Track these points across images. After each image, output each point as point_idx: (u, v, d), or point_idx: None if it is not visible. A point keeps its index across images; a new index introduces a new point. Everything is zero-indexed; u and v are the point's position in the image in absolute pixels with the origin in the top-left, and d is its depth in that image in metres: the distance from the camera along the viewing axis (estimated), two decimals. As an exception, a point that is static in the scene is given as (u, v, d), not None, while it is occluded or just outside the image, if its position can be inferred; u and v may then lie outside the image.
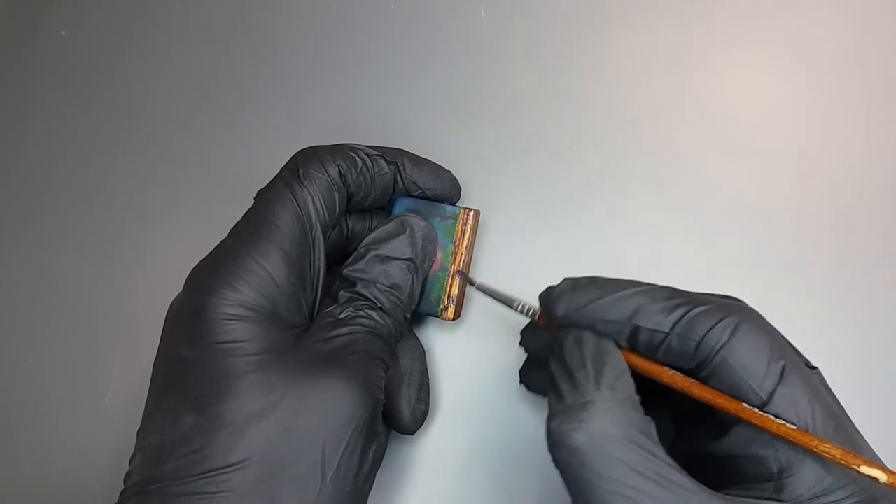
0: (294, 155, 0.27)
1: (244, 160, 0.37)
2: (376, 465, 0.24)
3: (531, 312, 0.25)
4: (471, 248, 0.30)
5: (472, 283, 0.28)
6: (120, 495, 0.23)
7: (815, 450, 0.19)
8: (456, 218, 0.30)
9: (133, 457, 0.23)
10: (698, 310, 0.21)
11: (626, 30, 0.34)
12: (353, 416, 0.23)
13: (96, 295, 0.37)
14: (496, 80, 0.35)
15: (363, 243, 0.27)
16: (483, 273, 0.32)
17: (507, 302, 0.26)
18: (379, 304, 0.26)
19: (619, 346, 0.22)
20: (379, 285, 0.26)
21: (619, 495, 0.19)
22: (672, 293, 0.22)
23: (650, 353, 0.22)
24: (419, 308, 0.30)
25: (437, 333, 0.33)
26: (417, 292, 0.28)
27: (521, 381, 0.29)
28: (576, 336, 0.23)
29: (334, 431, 0.22)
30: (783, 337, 0.21)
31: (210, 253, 0.25)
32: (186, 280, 0.25)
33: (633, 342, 0.22)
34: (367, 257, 0.27)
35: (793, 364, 0.20)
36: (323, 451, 0.22)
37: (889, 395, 0.29)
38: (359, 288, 0.26)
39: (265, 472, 0.21)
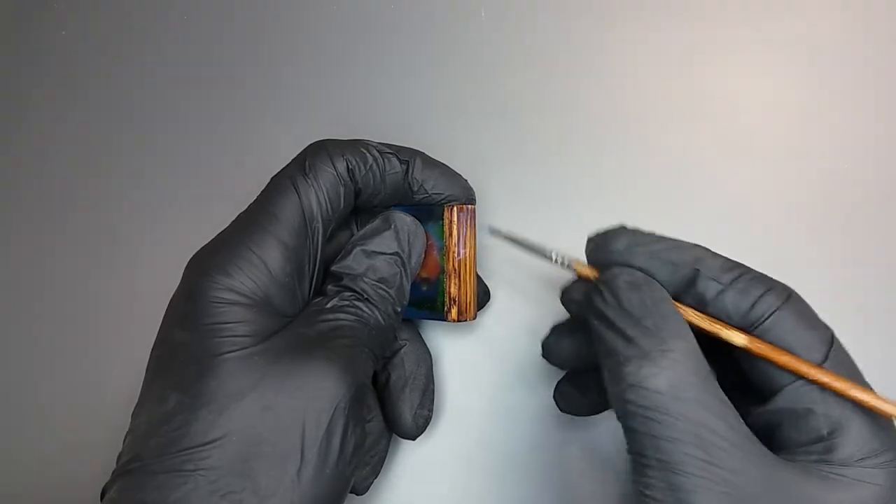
0: (305, 147, 0.27)
1: (244, 160, 0.37)
2: (360, 449, 0.24)
3: (566, 263, 0.25)
4: (465, 243, 0.29)
5: (499, 233, 0.27)
6: (111, 476, 0.23)
7: (876, 407, 0.20)
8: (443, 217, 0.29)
9: (124, 438, 0.24)
10: (754, 274, 0.22)
11: (627, 30, 0.34)
12: (334, 397, 0.23)
13: (95, 294, 0.37)
14: (496, 80, 0.35)
15: (350, 241, 0.27)
16: (483, 272, 0.32)
17: (539, 252, 0.26)
18: (366, 296, 0.26)
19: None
20: (366, 279, 0.26)
21: (693, 436, 0.19)
22: (727, 259, 0.23)
23: (699, 307, 0.23)
24: (430, 316, 0.29)
25: (446, 339, 0.33)
26: (407, 287, 0.28)
27: (543, 354, 0.28)
28: (629, 280, 0.23)
29: (315, 412, 0.22)
30: None
31: (211, 240, 0.26)
32: (186, 265, 0.25)
33: (684, 292, 0.23)
34: (354, 253, 0.27)
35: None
36: (303, 431, 0.22)
37: (889, 395, 0.29)
38: (345, 281, 0.26)
39: (243, 450, 0.22)
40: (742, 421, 0.20)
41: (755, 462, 0.20)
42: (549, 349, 0.28)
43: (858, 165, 0.32)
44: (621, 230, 0.24)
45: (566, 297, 0.27)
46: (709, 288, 0.22)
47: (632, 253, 0.23)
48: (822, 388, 0.21)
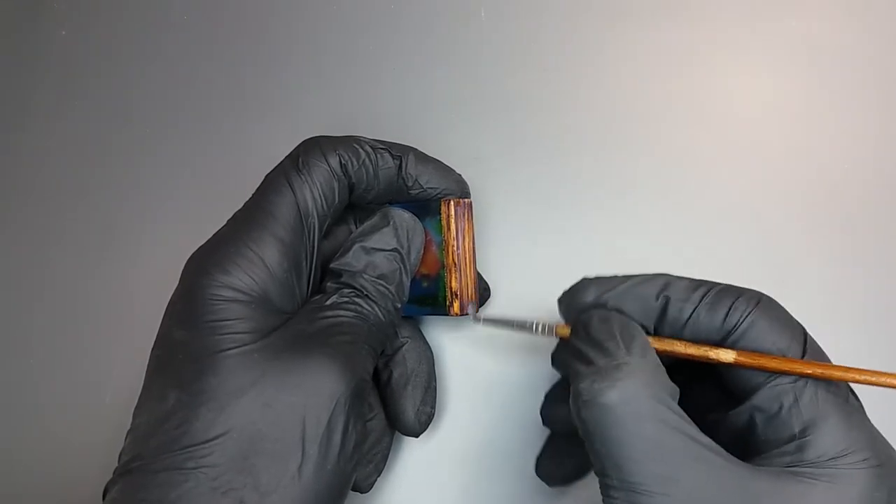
0: (298, 144, 0.27)
1: (243, 160, 0.37)
2: (361, 445, 0.24)
3: (547, 330, 0.25)
4: (463, 236, 0.29)
5: (478, 321, 0.28)
6: (112, 475, 0.23)
7: (871, 381, 0.21)
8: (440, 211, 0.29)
9: (125, 438, 0.24)
10: (721, 286, 0.23)
11: (628, 30, 0.34)
12: (333, 393, 0.23)
13: (95, 294, 0.37)
14: (496, 80, 0.35)
15: (349, 238, 0.27)
16: (484, 273, 0.32)
17: (520, 326, 0.26)
18: (365, 293, 0.26)
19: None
20: (366, 276, 0.26)
21: (651, 453, 0.19)
22: (692, 279, 0.24)
23: (675, 332, 0.23)
24: (432, 312, 0.29)
25: (448, 337, 0.33)
26: (407, 283, 0.28)
27: (543, 422, 0.28)
28: (601, 315, 0.23)
29: (315, 408, 0.22)
30: None
31: (208, 239, 0.26)
32: (184, 265, 0.25)
33: (659, 323, 0.23)
34: (353, 249, 0.27)
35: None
36: (303, 427, 0.22)
37: (890, 395, 0.29)
38: (345, 278, 0.26)
39: (244, 447, 0.22)
40: (702, 433, 0.20)
41: (721, 473, 0.20)
42: (547, 417, 0.28)
43: (858, 165, 0.32)
44: (585, 283, 0.25)
45: (555, 360, 0.27)
46: (682, 311, 0.23)
47: (602, 300, 0.24)
48: (795, 386, 0.21)
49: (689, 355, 0.23)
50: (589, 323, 0.23)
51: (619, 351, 0.21)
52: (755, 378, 0.22)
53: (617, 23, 0.35)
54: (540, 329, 0.26)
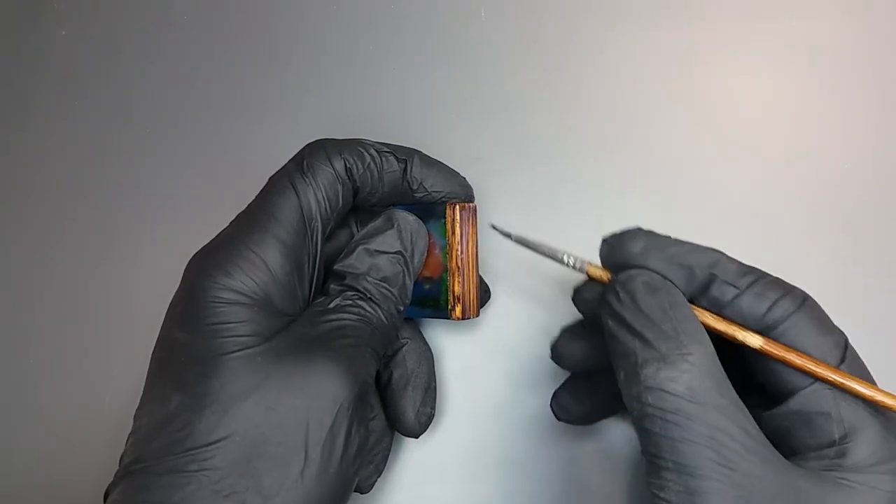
0: (303, 147, 0.27)
1: (243, 160, 0.37)
2: (363, 449, 0.24)
3: (579, 264, 0.25)
4: (468, 241, 0.29)
5: (508, 236, 0.27)
6: (113, 478, 0.23)
7: (888, 404, 0.20)
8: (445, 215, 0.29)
9: (126, 440, 0.24)
10: (770, 278, 0.23)
11: (627, 30, 0.34)
12: (337, 397, 0.23)
13: (95, 294, 0.37)
14: (496, 80, 0.35)
15: (353, 240, 0.27)
16: (484, 272, 0.32)
17: (551, 254, 0.26)
18: (369, 295, 0.26)
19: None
20: (369, 278, 0.26)
21: (712, 439, 0.19)
22: (742, 263, 0.23)
23: (715, 310, 0.23)
24: (433, 315, 0.29)
25: (447, 337, 0.33)
26: (410, 286, 0.28)
27: (552, 356, 0.28)
28: (648, 282, 0.23)
29: (318, 412, 0.22)
30: None
31: (210, 241, 0.26)
32: (185, 266, 0.25)
33: (699, 297, 0.23)
34: (357, 252, 0.27)
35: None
36: (306, 431, 0.22)
37: (889, 395, 0.29)
38: (348, 280, 0.26)
39: (247, 450, 0.22)
40: (757, 426, 0.20)
41: (769, 467, 0.20)
42: (559, 351, 0.28)
43: (858, 165, 0.32)
44: (637, 232, 0.24)
45: (578, 297, 0.26)
46: (725, 292, 0.22)
47: (648, 256, 0.23)
48: (836, 392, 0.21)
49: (716, 329, 0.22)
50: (635, 288, 0.23)
51: (680, 337, 0.21)
52: (793, 380, 0.22)
53: (617, 23, 0.35)
54: (571, 262, 0.25)
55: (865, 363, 0.22)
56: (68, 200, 0.39)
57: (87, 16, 0.41)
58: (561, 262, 0.25)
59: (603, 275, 0.25)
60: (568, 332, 0.28)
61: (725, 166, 0.32)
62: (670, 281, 0.23)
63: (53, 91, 0.40)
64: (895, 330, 0.30)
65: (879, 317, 0.30)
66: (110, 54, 0.40)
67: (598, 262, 0.25)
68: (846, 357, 0.21)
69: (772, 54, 0.33)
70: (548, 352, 0.28)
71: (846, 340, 0.22)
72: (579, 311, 0.27)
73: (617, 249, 0.24)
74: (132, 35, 0.40)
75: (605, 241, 0.25)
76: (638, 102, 0.34)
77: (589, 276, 0.25)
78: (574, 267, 0.25)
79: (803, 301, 0.22)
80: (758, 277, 0.22)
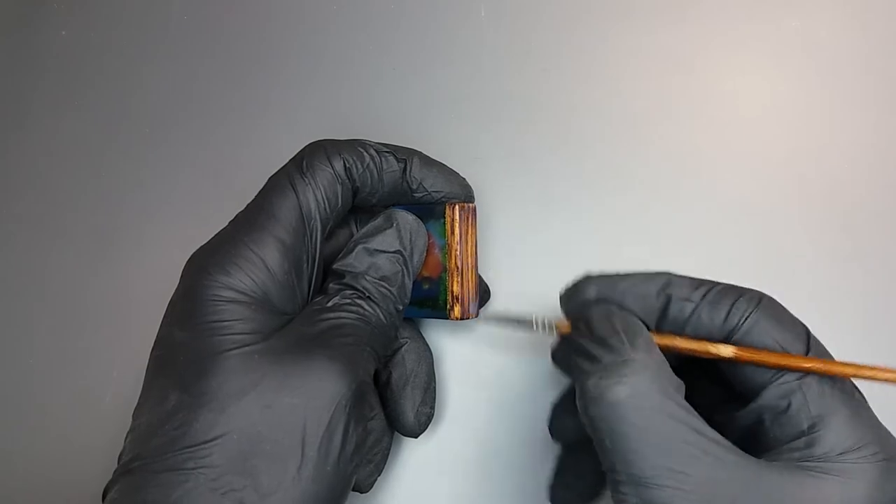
0: (303, 147, 0.27)
1: (243, 160, 0.37)
2: (361, 447, 0.24)
3: (548, 326, 0.26)
4: (467, 241, 0.29)
5: (477, 319, 0.28)
6: (112, 476, 0.23)
7: (870, 376, 0.21)
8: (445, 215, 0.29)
9: (125, 438, 0.24)
10: (722, 286, 0.23)
11: (627, 29, 0.34)
12: (335, 395, 0.23)
13: (95, 294, 0.37)
14: (496, 80, 0.35)
15: (352, 239, 0.27)
16: (483, 272, 0.32)
17: (520, 324, 0.26)
18: (368, 294, 0.26)
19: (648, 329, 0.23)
20: (368, 277, 0.26)
21: (659, 447, 0.19)
22: (693, 278, 0.24)
23: (676, 331, 0.23)
24: (432, 315, 0.29)
25: (447, 337, 0.33)
26: (409, 285, 0.28)
27: (552, 437, 0.28)
28: (603, 310, 0.23)
29: (316, 410, 0.22)
30: None
31: (209, 240, 0.26)
32: (184, 265, 0.25)
33: (661, 321, 0.23)
34: (356, 251, 0.27)
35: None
36: (304, 429, 0.22)
37: (891, 395, 0.29)
38: (347, 279, 0.26)
39: (244, 448, 0.22)
40: (711, 428, 0.20)
41: (729, 466, 0.20)
42: (555, 430, 0.28)
43: (858, 165, 0.32)
44: (588, 279, 0.25)
45: (556, 357, 0.27)
46: (683, 308, 0.23)
47: (603, 297, 0.24)
48: (802, 383, 0.21)
49: (688, 350, 0.23)
50: (591, 319, 0.23)
51: (624, 347, 0.21)
52: (761, 377, 0.22)
53: (617, 23, 0.35)
54: (540, 326, 0.26)
55: (864, 362, 0.22)
56: (68, 200, 0.39)
57: (87, 16, 0.41)
58: (531, 329, 0.26)
59: (570, 328, 0.25)
60: (559, 408, 0.28)
61: (725, 166, 0.32)
62: (632, 312, 0.24)
63: (53, 91, 0.40)
64: (895, 330, 0.30)
65: (879, 317, 0.30)
66: (110, 54, 0.40)
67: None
68: (810, 345, 0.22)
69: (772, 54, 0.33)
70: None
71: (807, 331, 0.22)
72: (560, 370, 0.27)
73: (574, 300, 0.25)
74: (132, 35, 0.40)
75: (562, 296, 0.26)
76: (638, 102, 0.34)
77: (560, 333, 0.25)
78: (544, 330, 0.26)
79: (759, 300, 0.22)
80: (710, 287, 0.23)
